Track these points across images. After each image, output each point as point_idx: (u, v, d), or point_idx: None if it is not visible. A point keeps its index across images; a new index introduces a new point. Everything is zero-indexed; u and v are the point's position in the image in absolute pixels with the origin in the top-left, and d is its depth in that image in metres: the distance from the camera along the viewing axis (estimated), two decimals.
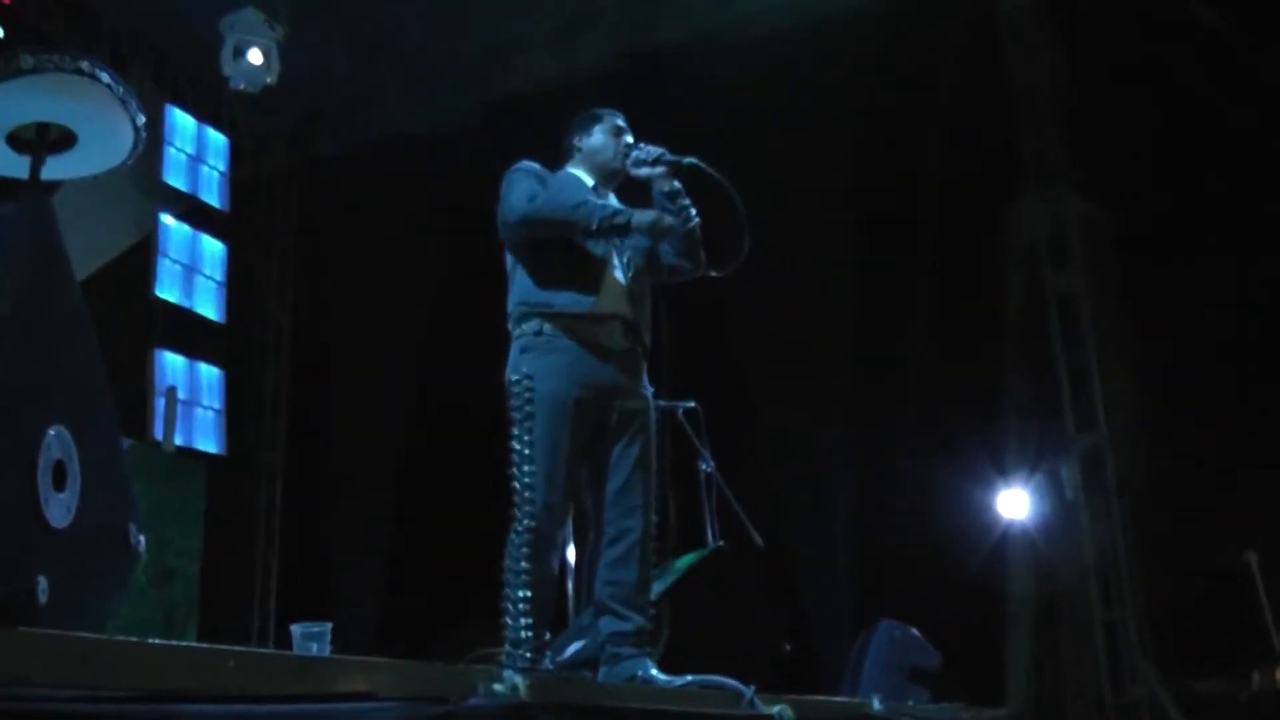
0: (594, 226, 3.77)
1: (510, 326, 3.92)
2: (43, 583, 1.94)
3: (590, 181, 4.06)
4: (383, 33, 9.91)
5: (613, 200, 4.08)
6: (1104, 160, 8.84)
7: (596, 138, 4.10)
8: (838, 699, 5.21)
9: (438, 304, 10.12)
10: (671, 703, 3.36)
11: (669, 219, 3.84)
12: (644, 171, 4.00)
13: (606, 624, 3.76)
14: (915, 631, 6.19)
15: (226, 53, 9.38)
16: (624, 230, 3.80)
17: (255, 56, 9.38)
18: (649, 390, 3.98)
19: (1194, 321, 8.05)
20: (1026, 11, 9.23)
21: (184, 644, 1.91)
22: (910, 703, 5.46)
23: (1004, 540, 8.99)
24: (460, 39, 9.93)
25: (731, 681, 3.55)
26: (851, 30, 8.70)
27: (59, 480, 2.07)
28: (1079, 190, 9.05)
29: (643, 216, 3.81)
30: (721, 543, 5.55)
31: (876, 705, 4.79)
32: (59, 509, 2.06)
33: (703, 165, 3.90)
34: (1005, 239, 9.45)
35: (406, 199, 10.07)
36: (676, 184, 3.98)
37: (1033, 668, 8.71)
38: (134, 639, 1.74)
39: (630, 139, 4.08)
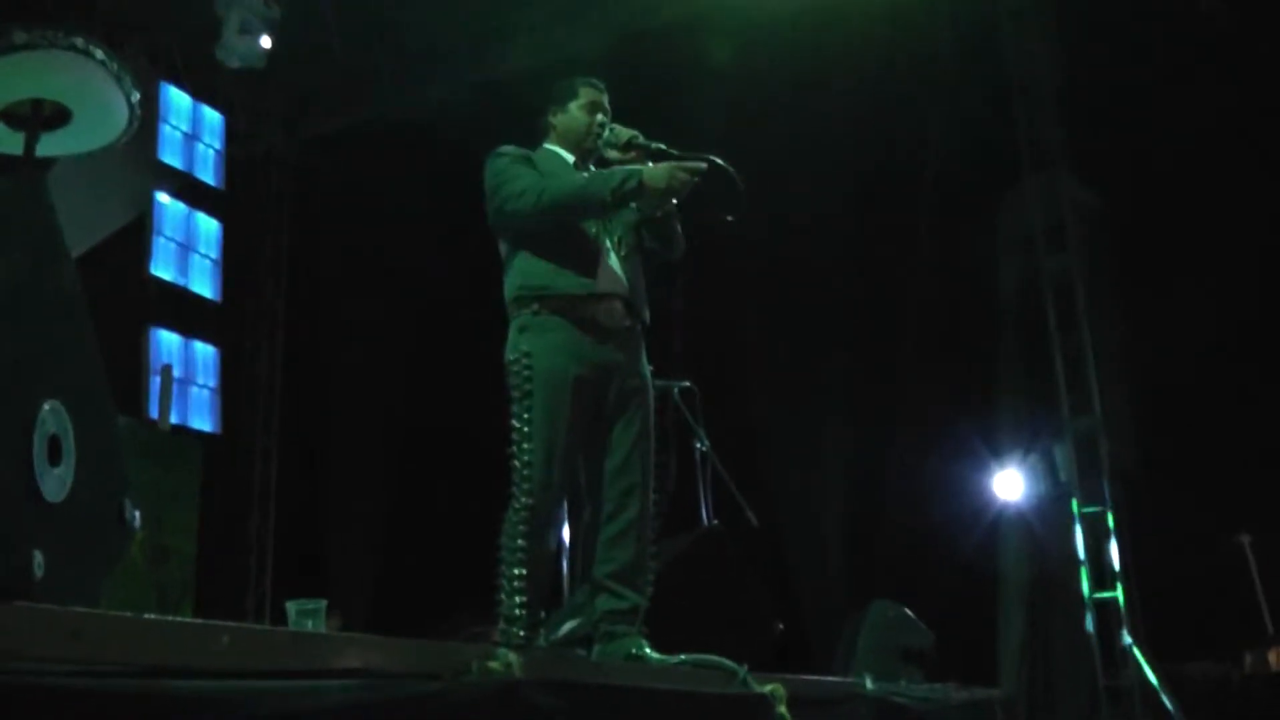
0: (609, 199, 3.75)
1: (509, 309, 3.91)
2: (38, 557, 1.94)
3: (571, 158, 4.04)
4: (378, 14, 9.88)
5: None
6: (1100, 146, 8.84)
7: (571, 113, 4.05)
8: (830, 678, 5.23)
9: (432, 284, 10.11)
10: (664, 681, 3.37)
11: (681, 175, 3.75)
12: (614, 155, 3.98)
13: (602, 602, 3.77)
14: (908, 611, 6.21)
15: (222, 31, 9.37)
16: (638, 195, 3.77)
17: (250, 35, 9.36)
18: (648, 369, 3.98)
19: (1188, 305, 8.06)
20: None
21: (178, 619, 1.92)
22: (902, 683, 5.48)
23: (997, 521, 9.02)
24: (456, 20, 9.90)
25: (724, 660, 3.56)
26: (850, 16, 8.69)
27: (54, 455, 2.07)
28: (1075, 176, 9.05)
29: (653, 178, 3.76)
30: (716, 522, 5.57)
31: (869, 685, 4.81)
32: (54, 484, 2.06)
33: (672, 151, 3.89)
34: (1001, 223, 9.46)
35: (401, 180, 10.07)
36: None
37: (1025, 648, 8.74)
38: (128, 614, 1.74)
39: (603, 117, 4.06)
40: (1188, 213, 8.35)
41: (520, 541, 3.59)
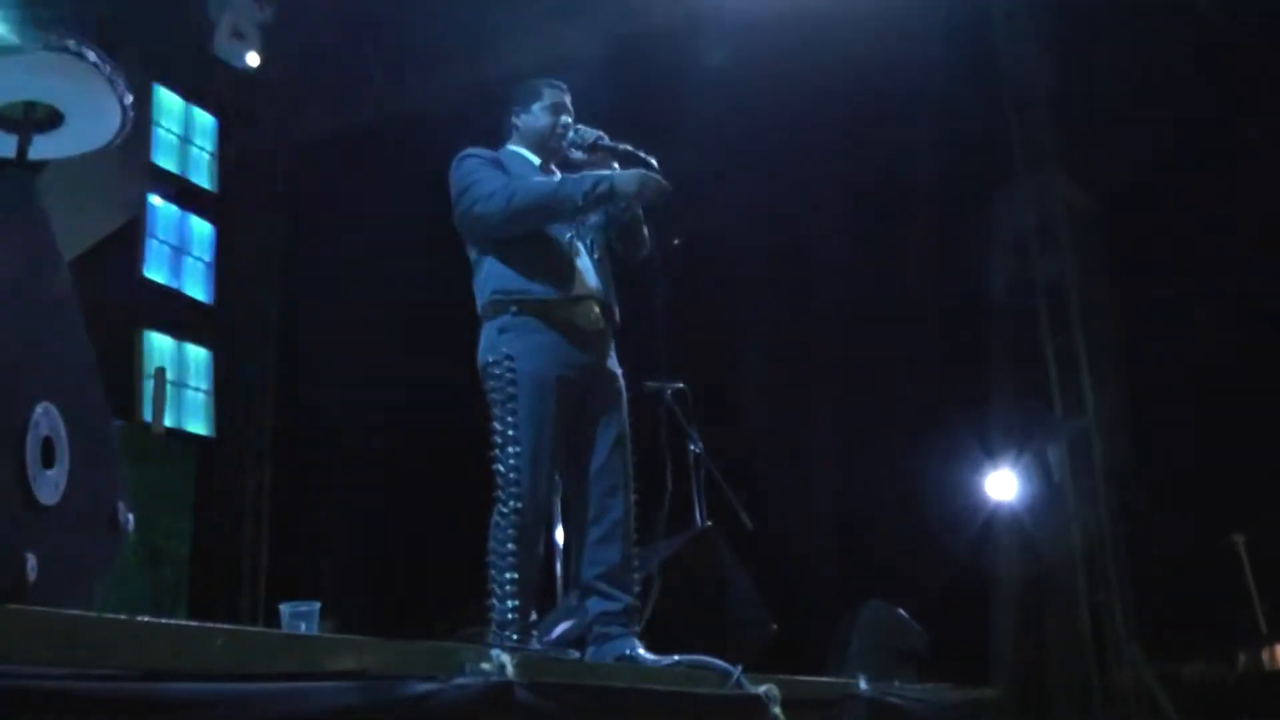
0: (580, 203, 3.75)
1: (482, 312, 3.91)
2: (31, 560, 1.94)
3: (536, 160, 4.04)
4: (371, 15, 9.87)
5: (558, 176, 4.07)
6: (1093, 146, 8.85)
7: (535, 114, 4.06)
8: (824, 679, 5.23)
9: (426, 287, 10.09)
10: (658, 682, 3.37)
11: (653, 177, 3.78)
12: (579, 156, 3.99)
13: (594, 604, 3.77)
14: (902, 612, 6.21)
15: (215, 32, 9.36)
16: (609, 198, 3.78)
17: (242, 40, 9.36)
18: (619, 370, 3.99)
19: (1180, 306, 8.07)
20: None
21: (172, 622, 1.92)
22: (896, 683, 5.48)
23: (991, 522, 9.03)
24: (450, 22, 9.89)
25: (718, 661, 3.56)
26: (842, 16, 8.69)
27: (47, 458, 2.07)
28: (1068, 176, 9.06)
29: (625, 182, 3.77)
30: (710, 523, 5.57)
31: (863, 685, 4.81)
32: (48, 486, 2.06)
33: (637, 152, 3.90)
34: (994, 224, 9.46)
35: (395, 182, 10.05)
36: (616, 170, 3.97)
37: (1018, 649, 8.75)
38: (122, 617, 1.74)
39: (568, 118, 4.06)
40: (1181, 213, 8.37)
41: (510, 546, 3.59)
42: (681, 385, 5.72)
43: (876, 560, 8.65)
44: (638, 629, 3.77)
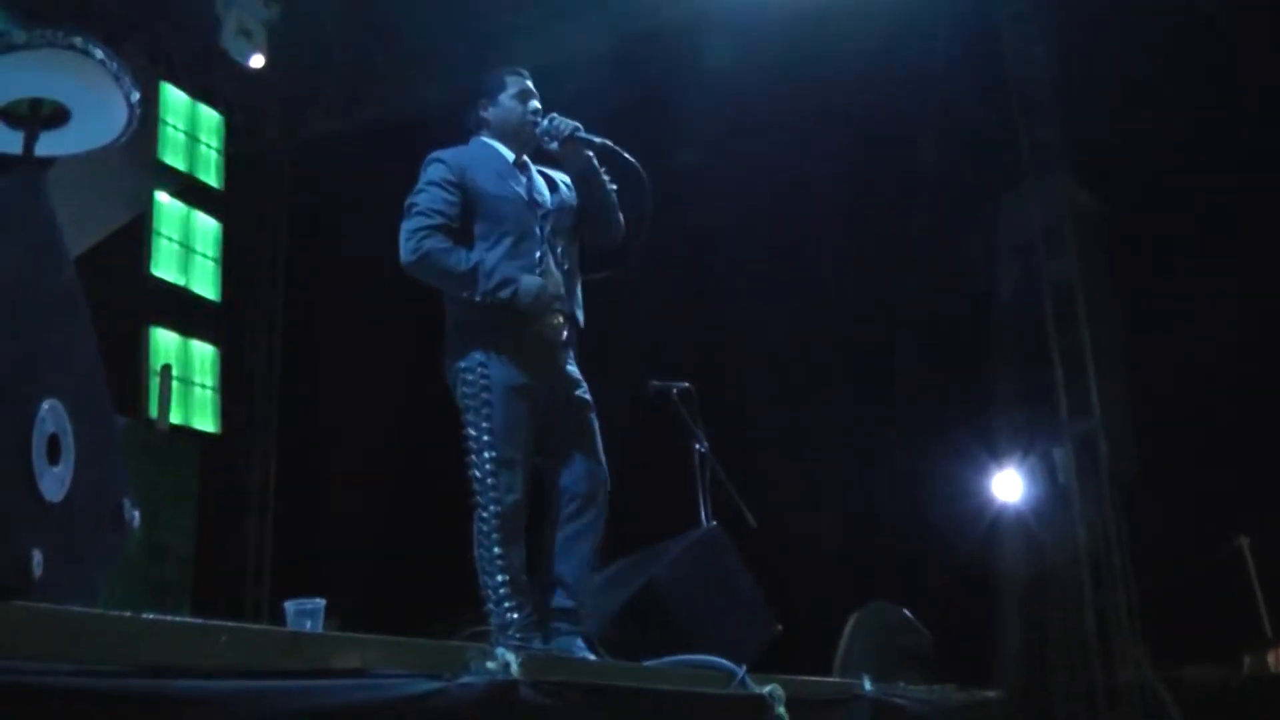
0: (476, 299, 3.78)
1: (449, 317, 3.93)
2: (37, 556, 1.94)
3: (510, 155, 4.04)
4: (378, 14, 9.87)
5: (533, 172, 4.07)
6: (1100, 148, 8.84)
7: (504, 105, 4.08)
8: (828, 679, 5.23)
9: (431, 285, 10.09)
10: (663, 682, 3.37)
11: (551, 289, 3.84)
12: (553, 146, 4.01)
13: (556, 598, 3.82)
14: (907, 612, 6.21)
15: (221, 29, 9.37)
16: (506, 302, 3.79)
17: (248, 38, 9.36)
18: (580, 375, 4.01)
19: (1186, 308, 8.06)
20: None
21: (176, 619, 1.91)
22: (901, 684, 5.48)
23: (996, 523, 9.02)
24: (456, 21, 9.89)
25: (723, 661, 3.56)
26: (850, 19, 8.69)
27: (53, 454, 2.07)
28: (1075, 179, 9.05)
29: (528, 290, 3.79)
30: (715, 523, 5.57)
31: (867, 686, 4.81)
32: (53, 483, 2.05)
33: (616, 148, 3.91)
34: (1000, 225, 9.45)
35: (400, 181, 10.05)
36: (592, 161, 3.97)
37: (1023, 650, 8.74)
38: (126, 613, 1.74)
39: (537, 104, 4.06)
40: (1187, 215, 8.35)
41: (497, 550, 3.63)
42: (687, 385, 5.73)
43: (881, 560, 8.64)
44: (584, 630, 3.81)
